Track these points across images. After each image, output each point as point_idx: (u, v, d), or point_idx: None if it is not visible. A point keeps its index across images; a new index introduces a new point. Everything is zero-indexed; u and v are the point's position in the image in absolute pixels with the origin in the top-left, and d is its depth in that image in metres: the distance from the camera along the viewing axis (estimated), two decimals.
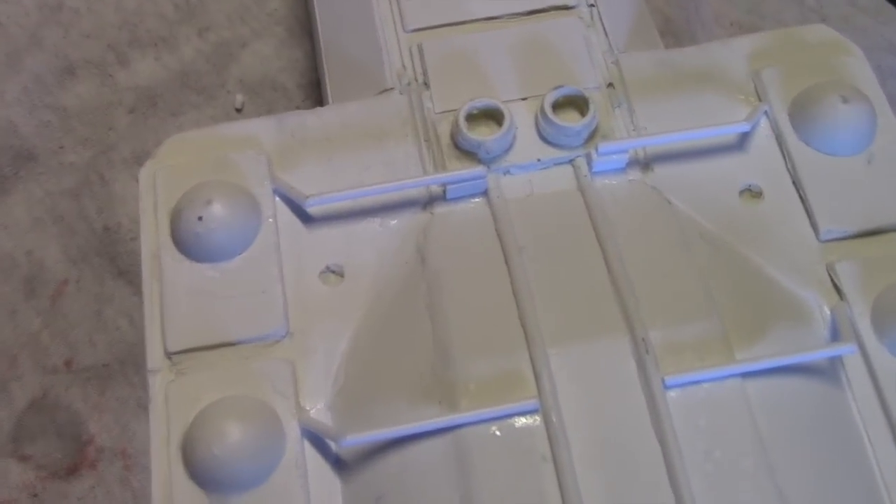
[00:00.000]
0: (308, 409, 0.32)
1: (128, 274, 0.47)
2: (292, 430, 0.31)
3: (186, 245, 0.34)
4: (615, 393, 0.30)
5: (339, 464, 0.31)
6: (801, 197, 0.35)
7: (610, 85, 0.37)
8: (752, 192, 0.36)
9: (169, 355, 0.33)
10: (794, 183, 0.36)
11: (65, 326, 0.47)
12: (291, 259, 0.35)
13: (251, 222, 0.34)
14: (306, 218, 0.35)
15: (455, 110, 0.35)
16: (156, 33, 0.54)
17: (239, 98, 0.52)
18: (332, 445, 0.31)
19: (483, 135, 0.35)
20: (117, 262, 0.48)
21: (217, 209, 0.34)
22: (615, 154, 0.35)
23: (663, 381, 0.30)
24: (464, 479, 0.29)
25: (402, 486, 0.30)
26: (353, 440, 0.30)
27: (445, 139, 0.36)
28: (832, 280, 0.34)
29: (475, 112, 0.35)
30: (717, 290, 0.32)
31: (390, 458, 0.30)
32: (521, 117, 0.36)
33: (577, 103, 0.36)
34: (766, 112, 0.37)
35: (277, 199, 0.35)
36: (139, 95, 0.53)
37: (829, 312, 0.33)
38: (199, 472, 0.30)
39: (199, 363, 0.33)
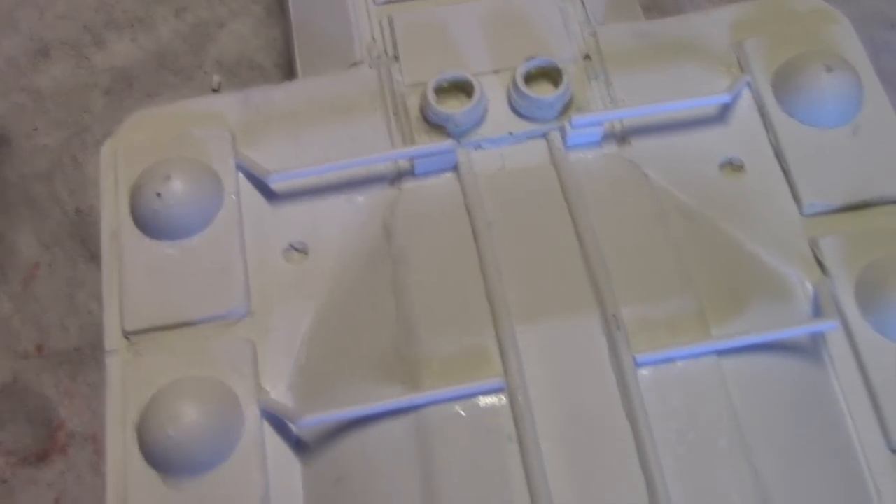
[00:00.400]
0: (269, 389, 0.31)
1: (100, 257, 0.46)
2: (251, 412, 0.30)
3: (146, 222, 0.33)
4: (584, 371, 0.29)
5: (300, 445, 0.30)
6: (783, 170, 0.34)
7: (587, 57, 0.36)
8: (734, 166, 0.35)
9: (127, 335, 0.32)
10: (776, 156, 0.34)
11: (36, 311, 0.46)
12: (254, 236, 0.33)
13: (212, 199, 0.33)
14: (270, 195, 0.34)
15: (425, 83, 0.34)
16: (132, 14, 0.53)
17: (216, 79, 0.51)
18: (292, 426, 0.30)
19: (454, 108, 0.34)
20: (89, 245, 0.47)
21: (176, 185, 0.33)
22: (590, 127, 0.34)
23: (634, 358, 0.29)
24: (425, 460, 0.28)
25: (363, 467, 0.29)
26: (312, 420, 0.29)
27: (415, 113, 0.35)
28: (815, 255, 0.33)
29: (445, 85, 0.34)
30: (694, 266, 0.31)
31: (351, 438, 0.29)
32: (492, 90, 0.35)
33: (551, 75, 0.35)
34: (748, 83, 0.35)
35: (241, 175, 0.34)
36: (115, 77, 0.52)
37: (811, 289, 0.32)
38: (153, 454, 0.29)
39: (158, 343, 0.32)
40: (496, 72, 0.35)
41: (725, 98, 0.35)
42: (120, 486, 0.29)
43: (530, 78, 0.34)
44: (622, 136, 0.35)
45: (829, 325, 0.30)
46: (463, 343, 0.30)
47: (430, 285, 0.31)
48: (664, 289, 0.30)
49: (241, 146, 0.35)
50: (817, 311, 0.31)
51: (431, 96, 0.34)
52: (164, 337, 0.32)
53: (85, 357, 0.44)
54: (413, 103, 0.35)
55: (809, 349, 0.31)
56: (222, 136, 0.35)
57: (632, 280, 0.30)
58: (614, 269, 0.31)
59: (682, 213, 0.33)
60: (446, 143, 0.33)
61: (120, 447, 0.30)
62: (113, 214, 0.34)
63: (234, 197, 0.34)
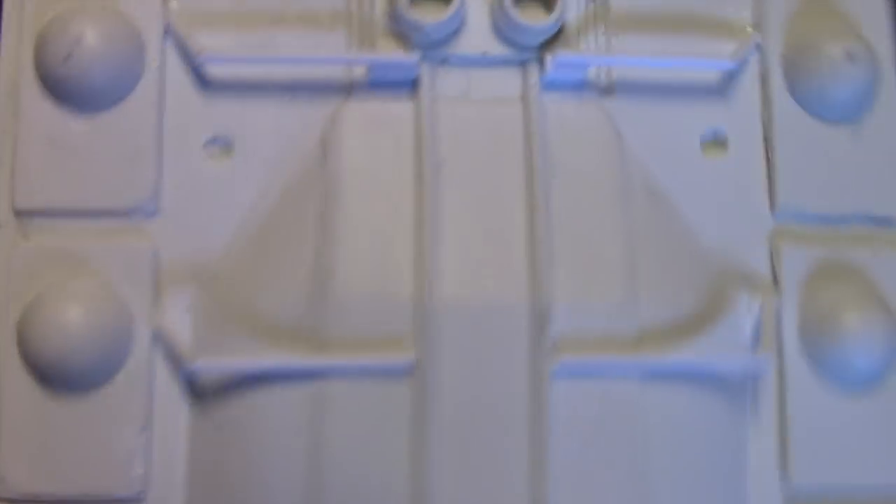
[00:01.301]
0: (167, 304, 0.28)
1: None
2: (143, 332, 0.28)
3: (51, 84, 0.29)
4: (499, 366, 0.27)
5: (191, 378, 0.28)
6: (768, 159, 0.31)
7: None
8: (717, 142, 0.31)
9: (17, 213, 0.29)
10: (765, 140, 0.31)
11: None
12: (175, 121, 0.29)
13: (131, 68, 0.29)
14: (201, 76, 0.30)
15: None
16: None
17: None
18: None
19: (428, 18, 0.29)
20: None
21: (89, 49, 0.28)
22: (574, 67, 0.30)
23: (554, 364, 0.27)
24: (314, 429, 0.27)
25: (248, 421, 0.27)
26: (207, 365, 0.27)
27: (382, 17, 0.30)
28: (772, 266, 0.30)
29: None
30: (641, 256, 0.29)
31: (242, 387, 0.27)
32: (476, 4, 0.30)
33: (546, 1, 0.30)
34: (757, 45, 0.31)
35: (170, 45, 0.30)
36: None
37: (757, 304, 0.30)
38: (32, 363, 0.27)
39: (50, 229, 0.29)
40: None
41: (730, 64, 0.31)
42: None
43: None
44: (606, 88, 0.31)
45: (763, 363, 0.29)
46: (379, 306, 0.27)
47: (357, 230, 0.28)
48: (605, 290, 0.28)
49: (177, 14, 0.30)
50: (757, 331, 0.30)
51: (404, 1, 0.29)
52: (58, 224, 0.28)
53: None
54: (381, 6, 0.30)
55: (737, 383, 0.29)
56: None
57: (574, 270, 0.28)
58: (559, 251, 0.28)
59: (647, 190, 0.30)
60: (408, 55, 0.29)
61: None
62: (13, 64, 0.29)
63: (157, 70, 0.29)
